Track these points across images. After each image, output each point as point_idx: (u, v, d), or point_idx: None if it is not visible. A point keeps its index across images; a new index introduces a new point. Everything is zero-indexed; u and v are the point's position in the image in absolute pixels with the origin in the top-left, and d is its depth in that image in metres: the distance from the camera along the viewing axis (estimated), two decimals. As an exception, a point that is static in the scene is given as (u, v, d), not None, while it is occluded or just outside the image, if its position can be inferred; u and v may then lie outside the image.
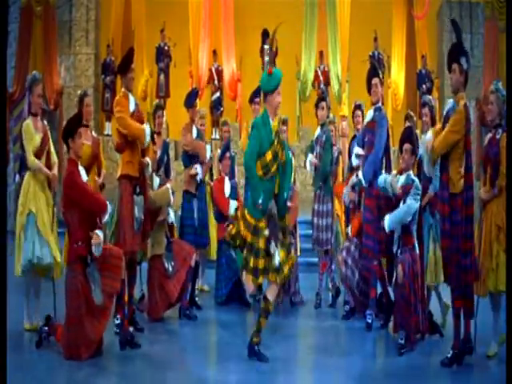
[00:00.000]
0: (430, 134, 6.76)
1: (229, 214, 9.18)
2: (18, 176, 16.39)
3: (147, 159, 7.64)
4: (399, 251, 7.16)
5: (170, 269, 8.20)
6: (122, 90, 7.53)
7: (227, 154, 9.46)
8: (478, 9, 17.62)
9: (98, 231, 6.68)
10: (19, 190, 16.45)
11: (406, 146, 7.30)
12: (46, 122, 7.70)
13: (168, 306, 8.25)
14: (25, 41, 17.43)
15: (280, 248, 6.53)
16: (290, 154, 7.11)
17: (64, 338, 6.60)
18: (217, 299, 9.33)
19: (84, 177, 6.87)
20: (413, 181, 7.16)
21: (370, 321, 7.89)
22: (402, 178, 7.27)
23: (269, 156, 6.57)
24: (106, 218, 6.95)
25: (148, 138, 7.48)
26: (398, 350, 6.94)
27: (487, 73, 17.08)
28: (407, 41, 18.70)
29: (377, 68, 8.16)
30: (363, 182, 7.86)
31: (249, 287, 7.10)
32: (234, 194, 9.46)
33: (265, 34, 17.83)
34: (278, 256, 6.46)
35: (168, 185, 8.34)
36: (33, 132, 7.36)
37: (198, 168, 8.76)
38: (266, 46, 17.77)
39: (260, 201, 6.48)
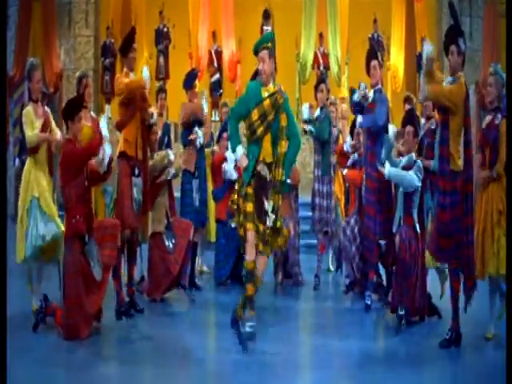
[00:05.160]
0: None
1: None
2: (17, 160, 16.49)
3: (151, 109, 7.75)
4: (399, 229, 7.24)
5: (171, 246, 8.26)
6: (124, 69, 7.62)
7: (224, 135, 9.46)
8: (478, -9, 17.62)
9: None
10: (19, 175, 16.46)
11: (409, 128, 7.35)
12: (47, 108, 7.69)
13: (170, 282, 8.27)
14: (24, 24, 17.40)
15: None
16: (298, 128, 6.81)
17: (63, 318, 6.64)
18: (217, 279, 9.38)
19: None
20: (415, 161, 7.23)
21: (368, 302, 7.95)
22: (404, 160, 7.32)
23: (254, 115, 6.43)
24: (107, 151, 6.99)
25: (146, 75, 7.53)
26: (398, 321, 7.03)
27: (486, 56, 17.08)
28: (407, 23, 18.63)
29: (376, 50, 8.17)
30: (357, 125, 8.10)
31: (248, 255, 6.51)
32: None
33: (266, 15, 17.81)
34: (269, 221, 6.41)
35: (168, 149, 8.48)
36: (33, 118, 7.33)
37: (197, 132, 8.84)
38: (265, 27, 17.79)
39: (238, 153, 6.45)
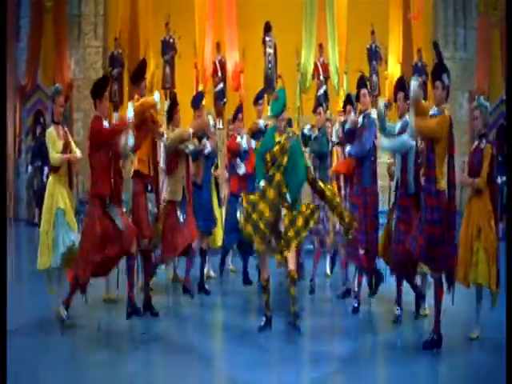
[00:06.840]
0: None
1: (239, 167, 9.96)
2: (30, 167, 17.12)
3: (161, 129, 8.56)
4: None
5: (181, 220, 8.71)
6: (136, 97, 8.31)
7: (240, 116, 10.16)
8: (472, 3, 18.14)
9: None
10: (31, 181, 17.07)
11: (400, 94, 8.06)
12: (66, 128, 8.29)
13: (186, 246, 8.70)
14: (36, 35, 17.96)
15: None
16: (306, 162, 7.97)
17: (75, 265, 7.50)
18: (227, 245, 10.09)
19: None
20: (407, 123, 7.65)
21: (356, 305, 8.54)
22: (399, 125, 7.98)
23: (268, 158, 7.64)
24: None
25: (158, 99, 8.33)
26: (395, 318, 7.93)
27: (480, 66, 17.66)
28: (404, 34, 19.10)
29: (365, 80, 8.75)
30: (346, 153, 8.72)
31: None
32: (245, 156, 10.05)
33: (267, 27, 18.34)
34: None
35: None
36: (55, 139, 7.91)
37: (206, 143, 9.50)
38: (268, 38, 18.34)
39: (261, 185, 7.58)
